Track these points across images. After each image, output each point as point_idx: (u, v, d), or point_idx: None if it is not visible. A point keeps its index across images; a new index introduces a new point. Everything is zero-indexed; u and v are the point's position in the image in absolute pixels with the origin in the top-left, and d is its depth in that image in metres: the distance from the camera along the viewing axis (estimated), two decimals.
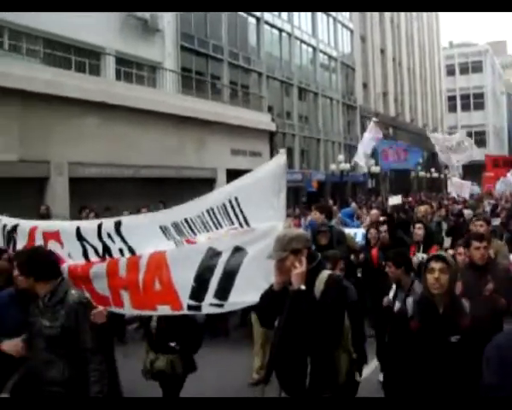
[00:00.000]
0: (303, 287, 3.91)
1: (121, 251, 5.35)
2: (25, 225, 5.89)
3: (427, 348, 4.01)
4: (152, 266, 5.16)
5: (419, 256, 8.22)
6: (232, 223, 5.01)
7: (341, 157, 38.10)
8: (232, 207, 4.96)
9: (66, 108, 17.21)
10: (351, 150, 41.76)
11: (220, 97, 30.19)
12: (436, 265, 4.09)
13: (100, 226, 5.42)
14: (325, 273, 4.09)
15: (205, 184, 21.89)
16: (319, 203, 16.87)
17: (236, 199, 4.94)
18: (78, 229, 5.48)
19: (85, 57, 21.56)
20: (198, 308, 5.08)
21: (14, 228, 5.85)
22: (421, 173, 57.97)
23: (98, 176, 18.54)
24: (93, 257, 5.43)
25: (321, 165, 43.69)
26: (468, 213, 15.94)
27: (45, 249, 4.93)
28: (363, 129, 29.44)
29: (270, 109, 34.73)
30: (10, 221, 6.00)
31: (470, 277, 5.80)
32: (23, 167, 16.28)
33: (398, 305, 5.70)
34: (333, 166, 39.03)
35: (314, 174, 40.70)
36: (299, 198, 36.58)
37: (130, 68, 24.03)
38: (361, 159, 20.41)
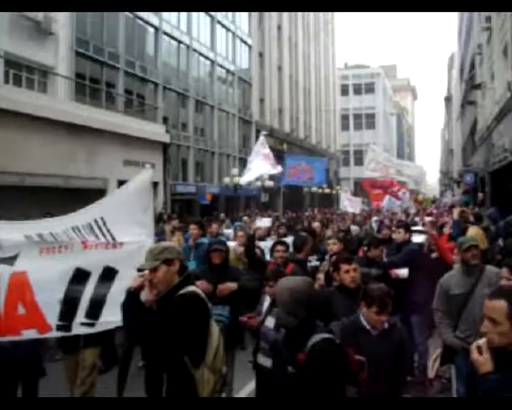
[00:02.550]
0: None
1: None
2: None
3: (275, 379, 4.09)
4: (13, 288, 4.85)
5: None
6: (98, 239, 4.92)
7: (235, 171, 38.36)
8: (99, 227, 4.89)
9: None
10: (245, 164, 42.04)
11: (115, 106, 29.71)
12: None
13: None
14: (187, 288, 4.04)
15: (95, 195, 20.86)
16: (198, 218, 16.68)
17: (102, 219, 4.88)
18: None
19: None
20: (68, 328, 4.93)
21: None
22: (314, 189, 59.51)
23: None
24: None
25: (215, 178, 43.85)
26: (354, 228, 15.86)
27: None
28: None
29: (165, 120, 34.56)
30: None
31: (342, 301, 5.52)
32: None
33: (270, 320, 5.43)
34: (226, 180, 39.29)
35: (208, 187, 40.83)
36: (192, 211, 36.56)
37: (19, 71, 23.11)
38: (250, 176, 20.47)
